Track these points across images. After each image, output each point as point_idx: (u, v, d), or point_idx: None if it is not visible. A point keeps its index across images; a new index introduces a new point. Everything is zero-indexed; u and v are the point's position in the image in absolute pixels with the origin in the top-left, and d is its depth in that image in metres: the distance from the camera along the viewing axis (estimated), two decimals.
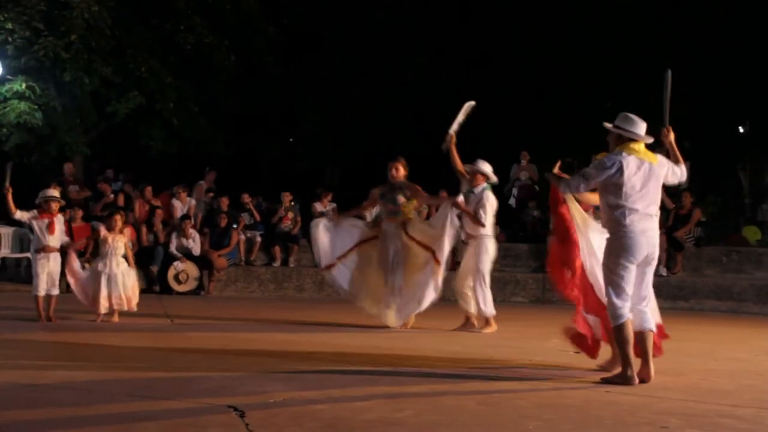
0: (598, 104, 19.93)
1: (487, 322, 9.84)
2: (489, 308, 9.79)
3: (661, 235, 13.95)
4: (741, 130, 23.72)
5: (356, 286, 10.23)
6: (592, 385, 6.27)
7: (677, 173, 6.68)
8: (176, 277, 14.56)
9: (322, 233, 10.27)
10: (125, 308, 10.27)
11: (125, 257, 10.53)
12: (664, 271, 14.06)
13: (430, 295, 9.84)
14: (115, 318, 10.22)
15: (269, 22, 19.21)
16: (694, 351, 8.54)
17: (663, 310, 13.39)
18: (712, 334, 10.37)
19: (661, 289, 13.79)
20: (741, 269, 14.58)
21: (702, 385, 6.41)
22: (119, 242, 10.47)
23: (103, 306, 10.14)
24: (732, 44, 19.56)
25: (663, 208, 14.71)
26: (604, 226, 6.57)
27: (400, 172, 10.22)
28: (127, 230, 14.59)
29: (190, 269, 14.65)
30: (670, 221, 14.57)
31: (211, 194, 16.65)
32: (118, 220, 10.67)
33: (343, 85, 21.14)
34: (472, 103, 9.81)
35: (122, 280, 10.28)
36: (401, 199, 10.07)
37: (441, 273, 9.82)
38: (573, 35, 20.24)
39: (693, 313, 13.01)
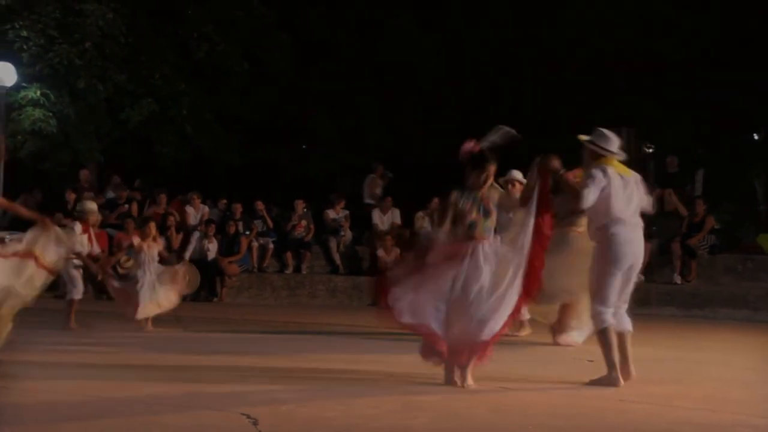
0: (611, 112, 19.90)
1: (522, 325, 9.86)
2: (524, 311, 9.76)
3: (675, 242, 14.07)
4: (756, 137, 23.61)
5: None
6: (606, 394, 6.24)
7: (645, 200, 6.87)
8: None
9: None
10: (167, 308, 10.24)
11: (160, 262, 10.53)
12: (678, 279, 14.00)
13: None
14: (150, 326, 10.20)
15: (282, 29, 19.25)
16: (708, 360, 8.49)
17: (677, 318, 13.34)
18: (726, 343, 10.30)
19: (675, 297, 13.83)
20: (756, 277, 14.48)
21: (717, 395, 6.37)
22: (154, 250, 10.47)
23: (142, 313, 10.13)
24: (747, 50, 19.46)
25: (677, 216, 14.72)
26: (591, 236, 6.75)
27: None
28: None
29: (190, 271, 14.63)
30: (684, 229, 14.50)
31: (225, 201, 16.70)
32: (152, 227, 10.67)
33: (356, 92, 21.15)
34: (512, 131, 9.06)
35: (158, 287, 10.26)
36: None
37: None
38: (583, 41, 20.19)
39: (707, 321, 12.94)
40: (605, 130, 6.79)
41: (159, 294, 10.21)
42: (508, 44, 20.62)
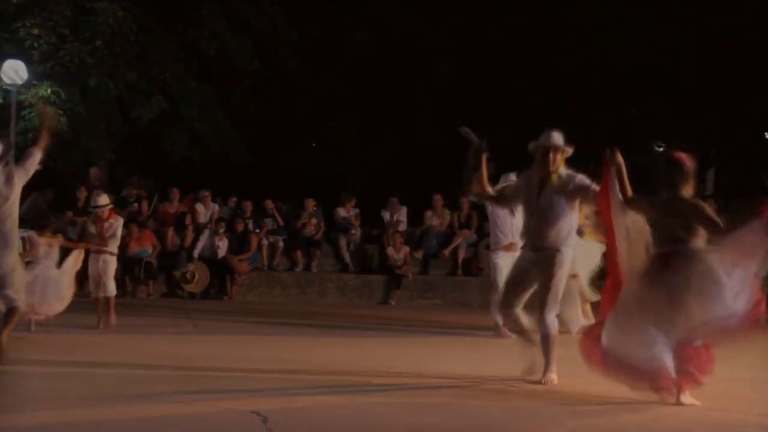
0: (622, 111, 19.89)
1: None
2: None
3: None
4: (766, 136, 23.53)
5: None
6: (616, 395, 6.21)
7: None
8: (183, 276, 14.62)
9: None
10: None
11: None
12: None
13: None
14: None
15: (293, 27, 19.25)
16: (719, 358, 8.43)
17: None
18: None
19: None
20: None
21: (728, 394, 6.33)
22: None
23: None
24: (756, 50, 19.39)
25: None
26: (568, 237, 6.69)
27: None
28: (147, 236, 14.77)
29: (199, 269, 14.70)
30: None
31: (235, 199, 16.71)
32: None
33: (367, 91, 21.15)
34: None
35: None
36: None
37: None
38: (594, 40, 20.15)
39: None
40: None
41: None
42: (517, 43, 20.61)
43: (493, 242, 10.11)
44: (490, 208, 9.73)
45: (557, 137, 6.73)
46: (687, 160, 6.09)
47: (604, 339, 5.95)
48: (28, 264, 9.38)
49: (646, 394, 5.86)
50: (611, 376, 6.00)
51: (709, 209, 6.09)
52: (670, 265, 5.79)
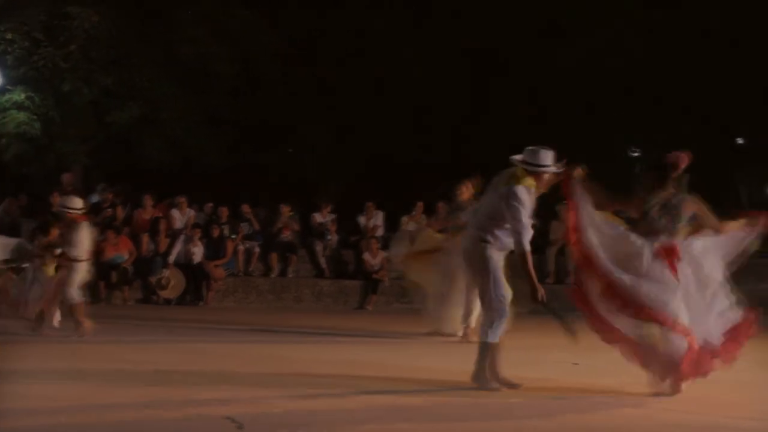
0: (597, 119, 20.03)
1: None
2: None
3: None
4: (740, 141, 23.74)
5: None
6: (593, 397, 6.22)
7: None
8: (159, 282, 14.53)
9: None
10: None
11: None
12: None
13: None
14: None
15: (271, 31, 19.18)
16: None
17: None
18: None
19: None
20: (741, 280, 14.44)
21: (705, 398, 6.34)
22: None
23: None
24: (729, 56, 19.57)
25: None
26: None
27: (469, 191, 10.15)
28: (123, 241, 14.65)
29: (175, 275, 14.62)
30: None
31: (211, 205, 16.63)
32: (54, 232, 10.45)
33: (344, 96, 21.13)
34: None
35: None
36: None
37: None
38: (573, 46, 20.27)
39: None
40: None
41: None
42: (493, 48, 20.70)
43: None
44: None
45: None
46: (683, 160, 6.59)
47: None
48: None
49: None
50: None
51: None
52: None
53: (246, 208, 16.41)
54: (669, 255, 6.32)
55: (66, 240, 9.89)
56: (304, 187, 21.54)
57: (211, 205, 16.68)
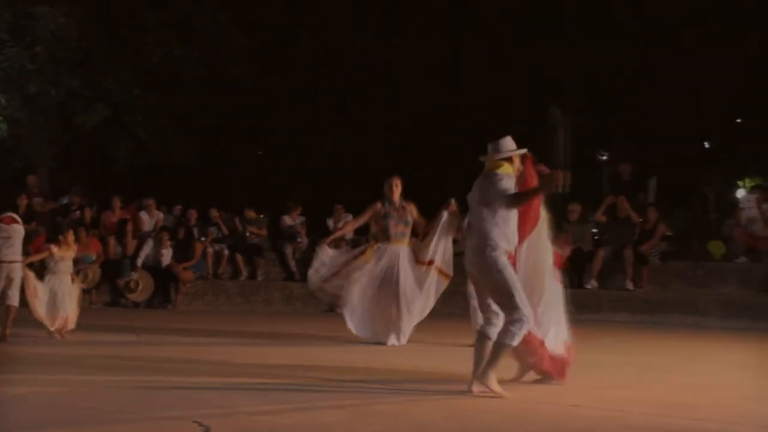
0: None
1: None
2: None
3: (627, 249, 14.26)
4: (707, 146, 24.03)
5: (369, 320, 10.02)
6: (558, 400, 6.28)
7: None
8: (127, 285, 14.47)
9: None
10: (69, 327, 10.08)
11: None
12: (630, 286, 14.15)
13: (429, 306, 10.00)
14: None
15: (241, 35, 19.13)
16: (657, 365, 8.60)
17: (629, 324, 13.50)
18: (676, 349, 10.43)
19: (626, 303, 13.97)
20: (706, 283, 14.65)
21: (666, 399, 6.43)
22: (69, 259, 10.32)
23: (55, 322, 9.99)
24: (696, 64, 19.79)
25: (629, 223, 14.91)
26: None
27: (400, 189, 10.19)
28: (93, 243, 14.57)
29: (143, 278, 14.56)
30: (636, 236, 14.67)
31: (180, 207, 16.57)
32: (70, 235, 10.55)
33: (314, 99, 21.15)
34: None
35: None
36: (410, 219, 10.13)
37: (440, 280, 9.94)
38: (535, 51, 20.41)
39: (658, 327, 13.10)
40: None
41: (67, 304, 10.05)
42: (459, 55, 20.86)
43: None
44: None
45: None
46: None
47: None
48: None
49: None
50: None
51: None
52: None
53: (214, 212, 16.37)
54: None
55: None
56: (273, 189, 21.53)
57: (179, 207, 16.62)
